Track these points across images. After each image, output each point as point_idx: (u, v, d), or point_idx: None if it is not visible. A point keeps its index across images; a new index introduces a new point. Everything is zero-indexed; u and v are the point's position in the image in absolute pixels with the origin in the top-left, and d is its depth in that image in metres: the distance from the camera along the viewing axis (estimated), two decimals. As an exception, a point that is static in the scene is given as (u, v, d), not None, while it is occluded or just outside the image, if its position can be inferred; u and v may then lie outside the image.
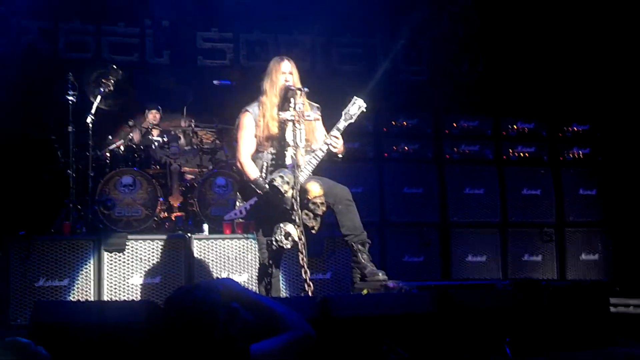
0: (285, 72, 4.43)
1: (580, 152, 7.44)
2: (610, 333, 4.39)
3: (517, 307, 4.16)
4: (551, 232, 7.14)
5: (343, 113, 4.43)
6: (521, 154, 7.32)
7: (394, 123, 7.01)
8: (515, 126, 7.36)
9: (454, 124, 7.19)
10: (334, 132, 4.37)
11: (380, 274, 4.43)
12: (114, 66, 6.57)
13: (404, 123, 7.06)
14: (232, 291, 2.51)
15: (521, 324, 4.08)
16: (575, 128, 7.49)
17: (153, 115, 7.15)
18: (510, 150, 7.30)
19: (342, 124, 4.40)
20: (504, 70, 7.93)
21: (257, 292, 4.46)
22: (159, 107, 7.20)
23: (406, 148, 6.98)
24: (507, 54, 7.94)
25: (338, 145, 4.37)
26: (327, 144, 4.34)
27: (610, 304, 4.57)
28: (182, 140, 6.84)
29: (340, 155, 4.47)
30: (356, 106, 4.43)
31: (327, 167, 4.69)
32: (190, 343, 2.34)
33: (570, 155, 7.41)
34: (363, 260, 4.41)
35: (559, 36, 7.82)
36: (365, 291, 4.40)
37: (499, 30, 7.97)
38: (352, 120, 4.43)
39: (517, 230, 7.09)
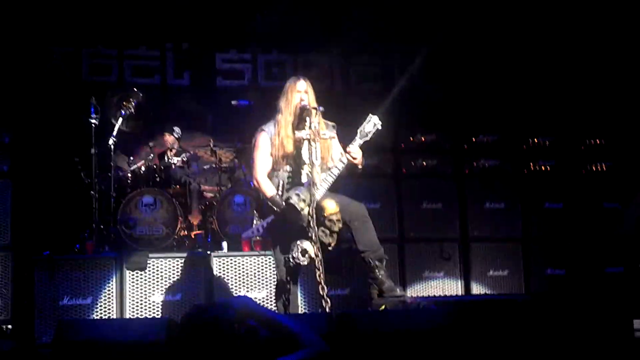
0: (300, 91, 4.49)
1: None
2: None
3: (538, 322, 4.12)
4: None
5: (358, 131, 4.48)
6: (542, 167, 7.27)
7: (412, 139, 7.03)
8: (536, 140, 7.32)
9: (473, 139, 7.18)
10: (350, 148, 4.42)
11: (398, 290, 4.44)
12: (135, 89, 6.71)
13: (422, 139, 7.06)
14: (248, 309, 2.55)
15: (542, 340, 4.04)
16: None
17: (172, 137, 7.25)
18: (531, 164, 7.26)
19: (357, 141, 4.44)
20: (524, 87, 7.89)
21: (275, 308, 4.50)
22: (175, 129, 7.28)
23: (424, 164, 6.98)
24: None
25: (357, 156, 4.42)
26: (345, 160, 4.39)
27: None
28: (202, 160, 6.93)
29: (360, 167, 4.51)
30: (371, 124, 4.47)
31: (345, 184, 4.72)
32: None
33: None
34: (380, 276, 4.41)
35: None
36: (383, 307, 4.40)
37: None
38: (368, 138, 4.47)
39: (539, 245, 7.02)
